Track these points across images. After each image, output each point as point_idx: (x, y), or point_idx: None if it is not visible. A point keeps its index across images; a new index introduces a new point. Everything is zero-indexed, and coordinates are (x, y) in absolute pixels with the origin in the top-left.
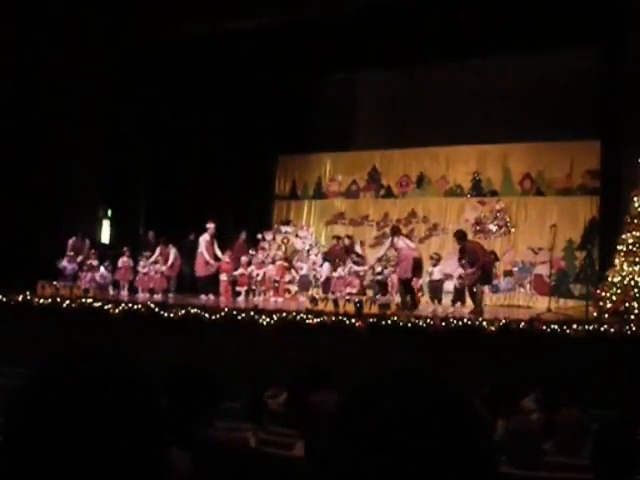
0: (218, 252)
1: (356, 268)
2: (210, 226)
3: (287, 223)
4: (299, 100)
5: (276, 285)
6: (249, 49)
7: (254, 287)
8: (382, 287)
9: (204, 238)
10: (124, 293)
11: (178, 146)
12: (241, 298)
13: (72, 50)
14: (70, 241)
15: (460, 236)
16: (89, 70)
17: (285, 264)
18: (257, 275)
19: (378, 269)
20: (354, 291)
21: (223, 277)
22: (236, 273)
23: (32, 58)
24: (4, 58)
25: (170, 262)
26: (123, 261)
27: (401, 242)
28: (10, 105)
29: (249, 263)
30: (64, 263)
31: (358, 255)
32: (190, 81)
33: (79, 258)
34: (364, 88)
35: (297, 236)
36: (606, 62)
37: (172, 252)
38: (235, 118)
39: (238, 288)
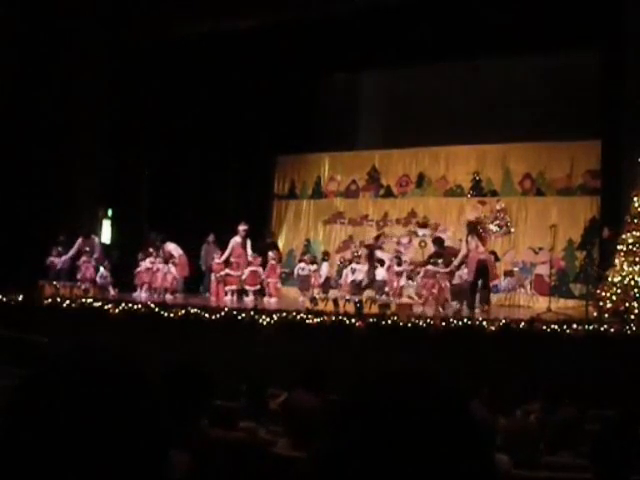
0: (250, 253)
1: (434, 269)
2: (242, 228)
3: (425, 226)
4: (298, 100)
5: (265, 284)
6: (249, 49)
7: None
8: (457, 290)
9: (235, 240)
10: (168, 297)
11: (178, 146)
12: (228, 297)
13: (72, 50)
14: (79, 240)
15: (440, 242)
16: (89, 70)
17: (274, 263)
18: (242, 274)
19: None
20: (435, 291)
21: (212, 277)
22: (222, 273)
23: (32, 58)
24: (4, 58)
25: (176, 260)
26: (151, 261)
27: (473, 242)
28: (10, 105)
29: (239, 264)
30: (52, 259)
31: (438, 255)
32: (190, 81)
33: (94, 256)
34: (364, 88)
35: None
36: (606, 62)
37: (174, 250)
38: (234, 118)
39: (227, 288)
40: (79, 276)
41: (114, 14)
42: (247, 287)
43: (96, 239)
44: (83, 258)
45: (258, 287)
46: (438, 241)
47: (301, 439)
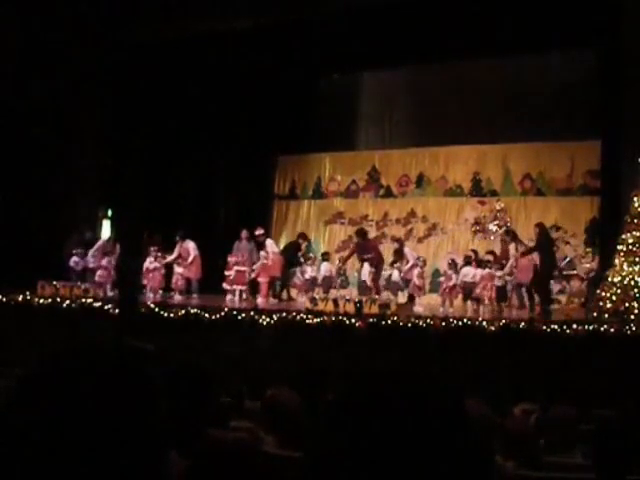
0: (262, 253)
1: (490, 271)
2: (258, 232)
3: (558, 229)
4: (299, 100)
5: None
6: (249, 49)
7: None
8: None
9: (272, 242)
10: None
11: (178, 145)
12: (229, 297)
13: (72, 50)
14: (100, 242)
15: (362, 234)
16: (89, 70)
17: (265, 262)
18: (229, 275)
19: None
20: (492, 293)
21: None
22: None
23: (32, 58)
24: (4, 58)
25: (190, 260)
26: (150, 261)
27: (512, 249)
28: (10, 105)
29: (235, 264)
30: (75, 259)
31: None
32: (190, 80)
33: (110, 259)
34: (364, 88)
35: (567, 243)
36: (606, 62)
37: (192, 250)
38: (235, 118)
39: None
40: (98, 276)
41: (114, 14)
42: (235, 287)
43: (117, 246)
44: (106, 259)
45: (245, 287)
46: (361, 232)
47: (284, 437)
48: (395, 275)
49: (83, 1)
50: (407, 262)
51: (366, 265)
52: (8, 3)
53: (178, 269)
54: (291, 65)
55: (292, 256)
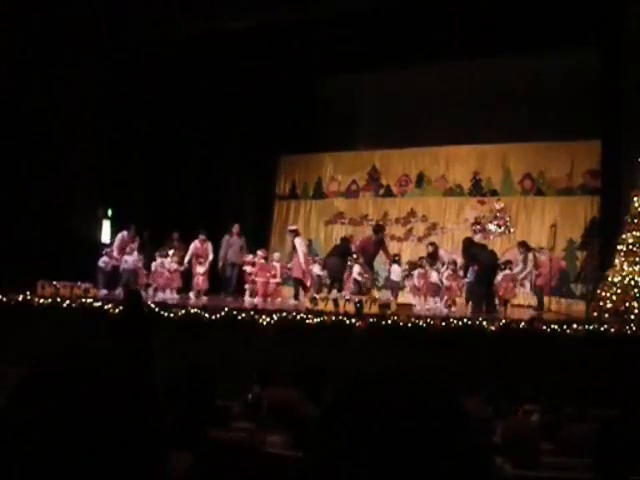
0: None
1: (511, 273)
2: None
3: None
4: (300, 100)
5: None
6: (250, 49)
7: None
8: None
9: (301, 240)
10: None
11: (179, 145)
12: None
13: (72, 50)
14: (119, 237)
15: (382, 229)
16: (89, 70)
17: (262, 262)
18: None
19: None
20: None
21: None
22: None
23: (31, 58)
24: (3, 58)
25: (211, 259)
26: (162, 262)
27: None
28: (10, 105)
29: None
30: (104, 259)
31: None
32: (191, 80)
33: (127, 252)
34: (364, 88)
35: None
36: (606, 62)
37: (211, 251)
38: (236, 118)
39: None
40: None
41: (114, 14)
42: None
43: (138, 239)
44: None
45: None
46: (380, 228)
47: (293, 437)
48: (434, 277)
49: (83, 1)
50: (443, 264)
51: (395, 266)
52: (8, 3)
53: (200, 269)
54: (292, 65)
55: (344, 258)
